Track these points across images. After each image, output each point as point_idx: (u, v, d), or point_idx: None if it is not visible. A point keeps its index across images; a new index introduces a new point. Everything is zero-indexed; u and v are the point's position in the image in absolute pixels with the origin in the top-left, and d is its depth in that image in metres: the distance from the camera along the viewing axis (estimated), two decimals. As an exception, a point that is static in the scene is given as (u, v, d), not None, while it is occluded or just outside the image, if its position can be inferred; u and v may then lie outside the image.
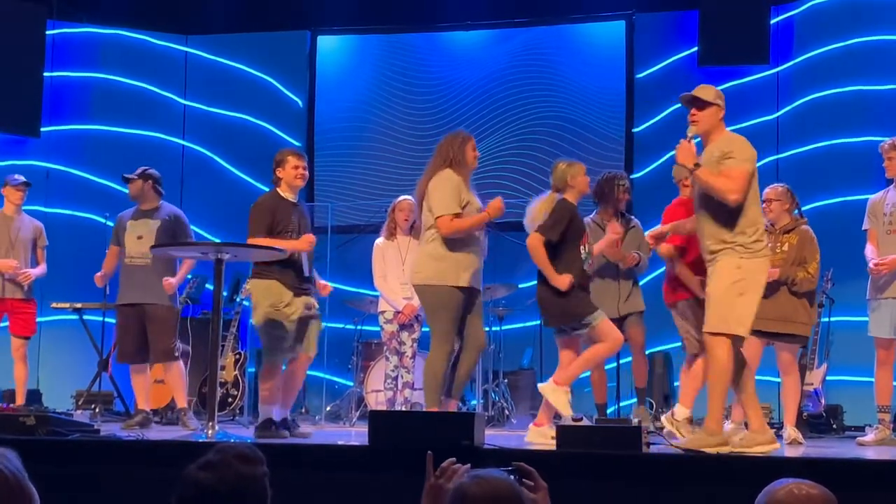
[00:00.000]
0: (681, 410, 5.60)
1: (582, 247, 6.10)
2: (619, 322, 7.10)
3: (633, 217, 7.31)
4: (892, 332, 6.35)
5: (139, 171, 7.29)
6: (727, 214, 5.13)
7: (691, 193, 5.53)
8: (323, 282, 6.68)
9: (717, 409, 5.09)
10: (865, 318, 6.58)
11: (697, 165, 5.15)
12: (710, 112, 5.26)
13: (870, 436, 6.29)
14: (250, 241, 6.12)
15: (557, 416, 6.10)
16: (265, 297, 6.16)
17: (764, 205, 6.74)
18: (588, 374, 6.87)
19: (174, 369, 7.13)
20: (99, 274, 7.46)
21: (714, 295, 5.13)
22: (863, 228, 6.67)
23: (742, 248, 5.12)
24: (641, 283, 7.34)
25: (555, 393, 5.92)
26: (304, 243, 6.24)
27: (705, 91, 5.29)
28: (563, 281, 5.84)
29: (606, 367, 7.13)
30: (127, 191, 7.39)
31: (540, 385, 6.18)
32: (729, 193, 5.07)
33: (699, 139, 5.35)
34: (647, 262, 7.13)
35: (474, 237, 5.93)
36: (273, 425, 6.08)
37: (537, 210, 6.09)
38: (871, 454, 5.29)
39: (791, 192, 6.63)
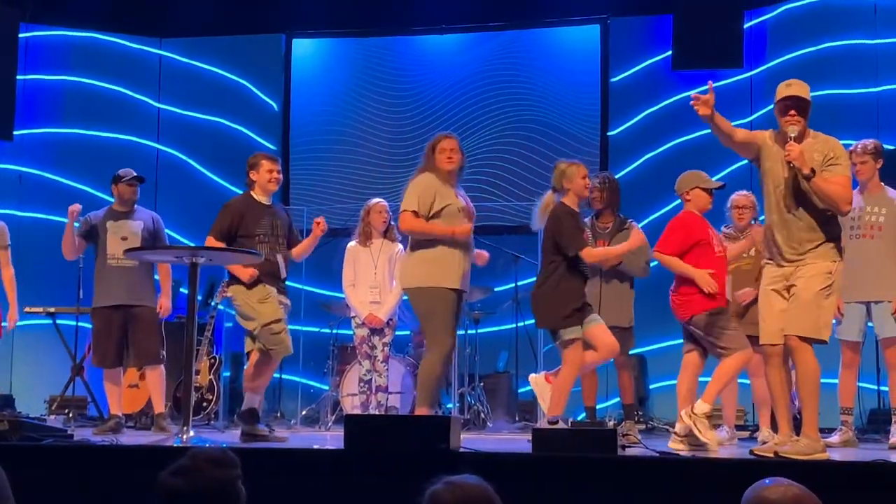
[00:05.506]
0: (701, 406, 5.51)
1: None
2: None
3: (623, 216, 7.11)
4: (860, 336, 6.40)
5: (134, 173, 7.23)
6: (824, 218, 5.00)
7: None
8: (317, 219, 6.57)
9: (814, 415, 4.99)
10: None
11: (814, 172, 4.91)
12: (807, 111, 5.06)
13: (835, 437, 6.32)
14: (207, 241, 6.14)
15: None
16: (251, 296, 6.11)
17: (737, 211, 6.80)
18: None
19: (157, 372, 7.06)
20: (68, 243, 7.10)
21: (806, 299, 4.95)
22: None
23: (835, 252, 5.04)
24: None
25: (543, 389, 5.87)
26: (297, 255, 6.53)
27: (804, 88, 5.07)
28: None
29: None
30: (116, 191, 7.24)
31: (531, 375, 6.08)
32: (843, 203, 4.96)
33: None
34: (645, 266, 6.94)
35: (462, 240, 5.83)
36: (258, 415, 6.05)
37: (539, 212, 6.00)
38: (836, 456, 5.31)
39: (755, 200, 6.74)
